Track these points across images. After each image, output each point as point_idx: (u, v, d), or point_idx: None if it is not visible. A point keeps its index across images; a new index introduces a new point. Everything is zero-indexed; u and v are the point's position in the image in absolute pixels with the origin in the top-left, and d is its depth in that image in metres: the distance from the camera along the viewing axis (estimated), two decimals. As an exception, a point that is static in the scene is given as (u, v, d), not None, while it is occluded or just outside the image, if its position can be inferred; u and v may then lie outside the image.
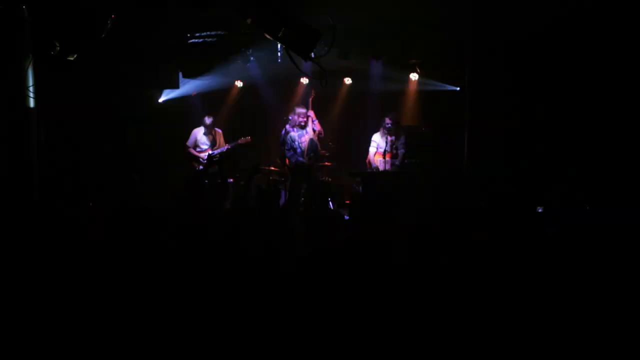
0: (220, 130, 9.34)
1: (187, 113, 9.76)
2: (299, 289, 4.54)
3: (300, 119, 8.40)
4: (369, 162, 8.41)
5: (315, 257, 5.41)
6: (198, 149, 9.16)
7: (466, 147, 5.88)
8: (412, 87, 9.34)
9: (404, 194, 7.25)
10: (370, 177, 7.70)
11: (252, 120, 10.15)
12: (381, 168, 8.11)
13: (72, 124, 7.55)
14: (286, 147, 8.46)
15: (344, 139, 9.74)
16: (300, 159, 8.38)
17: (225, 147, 9.18)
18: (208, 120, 9.15)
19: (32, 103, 6.39)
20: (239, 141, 9.21)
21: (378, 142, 8.34)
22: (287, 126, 8.53)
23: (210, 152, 9.09)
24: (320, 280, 4.61)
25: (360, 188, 8.66)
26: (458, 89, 8.83)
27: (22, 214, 5.94)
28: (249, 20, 4.98)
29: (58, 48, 5.44)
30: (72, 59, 5.56)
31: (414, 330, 3.69)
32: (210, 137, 9.21)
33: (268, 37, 4.79)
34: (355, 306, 4.17)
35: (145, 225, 5.10)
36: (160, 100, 9.96)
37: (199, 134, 9.17)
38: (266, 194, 6.05)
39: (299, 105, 8.66)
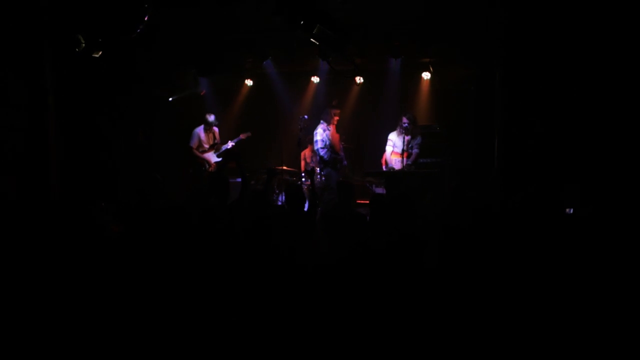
0: (216, 128, 9.26)
1: (198, 111, 9.65)
2: (324, 287, 4.52)
3: (336, 118, 8.48)
4: (385, 161, 8.35)
5: (340, 257, 5.39)
6: (200, 149, 9.05)
7: (496, 147, 5.81)
8: (425, 86, 9.30)
9: (428, 194, 7.19)
10: (394, 177, 7.62)
11: (265, 119, 10.06)
12: (397, 168, 8.04)
13: (87, 123, 7.42)
14: (323, 145, 8.40)
15: (354, 138, 9.71)
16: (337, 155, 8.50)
17: (230, 144, 9.10)
18: (211, 118, 9.06)
19: (51, 101, 6.29)
20: (241, 136, 9.15)
21: (394, 141, 8.27)
22: (325, 125, 8.47)
23: (220, 148, 9.07)
24: (346, 280, 4.59)
25: (374, 187, 8.63)
26: (472, 88, 8.79)
27: (41, 213, 5.86)
28: (280, 18, 4.94)
29: (83, 44, 5.34)
30: (97, 56, 5.47)
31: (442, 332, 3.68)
32: (211, 135, 9.14)
33: (306, 34, 4.74)
34: (381, 307, 4.15)
35: (174, 223, 5.06)
36: (171, 98, 9.86)
37: (202, 133, 9.07)
38: (295, 196, 5.99)
39: (331, 107, 8.61)
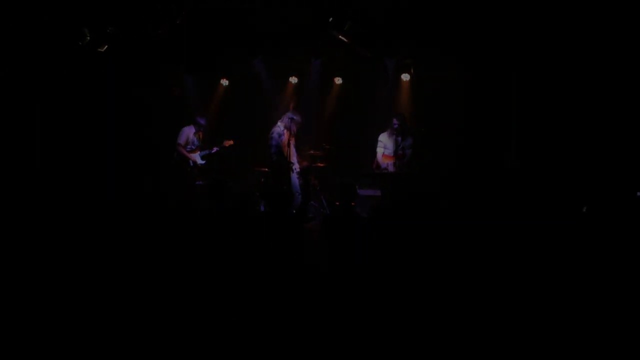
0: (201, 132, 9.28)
1: (180, 111, 9.36)
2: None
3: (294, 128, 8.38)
4: (378, 163, 8.25)
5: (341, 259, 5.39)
6: (188, 148, 9.02)
7: (513, 146, 5.84)
8: (410, 88, 9.26)
9: (439, 196, 7.14)
10: (391, 179, 7.56)
11: (247, 119, 9.82)
12: (391, 170, 7.97)
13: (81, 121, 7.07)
14: (275, 150, 8.38)
15: (334, 140, 9.58)
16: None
17: (215, 149, 9.10)
18: (202, 121, 9.07)
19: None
20: (225, 144, 9.15)
21: (385, 143, 8.19)
22: (281, 129, 8.44)
23: (200, 153, 9.02)
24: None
25: (358, 188, 8.48)
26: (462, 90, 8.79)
27: (98, 213, 5.62)
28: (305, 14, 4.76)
29: (88, 38, 5.00)
30: (102, 50, 5.13)
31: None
32: (198, 137, 9.15)
33: (334, 31, 4.58)
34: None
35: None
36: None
37: (191, 133, 9.04)
38: (279, 198, 5.84)
39: (294, 113, 8.51)
